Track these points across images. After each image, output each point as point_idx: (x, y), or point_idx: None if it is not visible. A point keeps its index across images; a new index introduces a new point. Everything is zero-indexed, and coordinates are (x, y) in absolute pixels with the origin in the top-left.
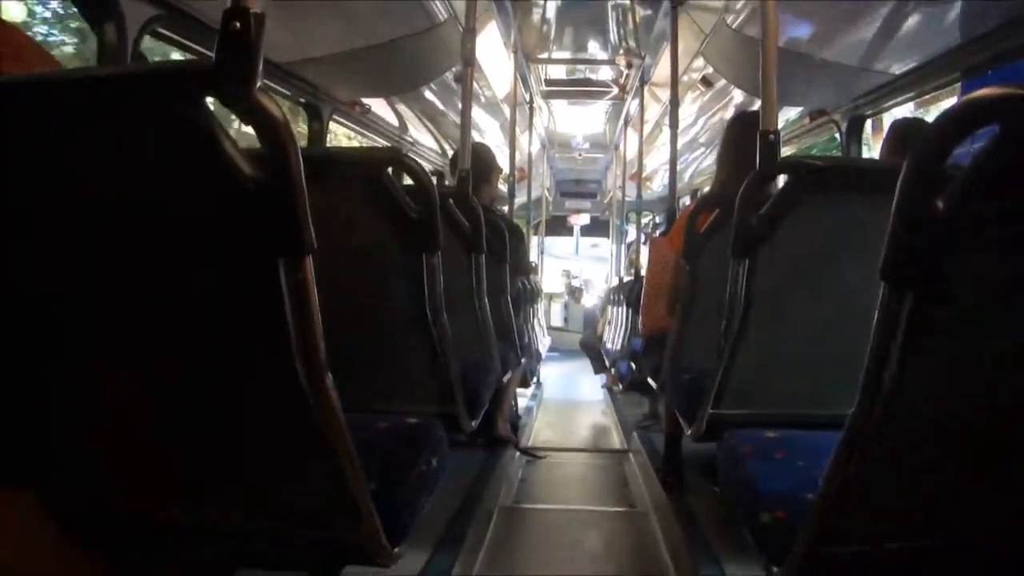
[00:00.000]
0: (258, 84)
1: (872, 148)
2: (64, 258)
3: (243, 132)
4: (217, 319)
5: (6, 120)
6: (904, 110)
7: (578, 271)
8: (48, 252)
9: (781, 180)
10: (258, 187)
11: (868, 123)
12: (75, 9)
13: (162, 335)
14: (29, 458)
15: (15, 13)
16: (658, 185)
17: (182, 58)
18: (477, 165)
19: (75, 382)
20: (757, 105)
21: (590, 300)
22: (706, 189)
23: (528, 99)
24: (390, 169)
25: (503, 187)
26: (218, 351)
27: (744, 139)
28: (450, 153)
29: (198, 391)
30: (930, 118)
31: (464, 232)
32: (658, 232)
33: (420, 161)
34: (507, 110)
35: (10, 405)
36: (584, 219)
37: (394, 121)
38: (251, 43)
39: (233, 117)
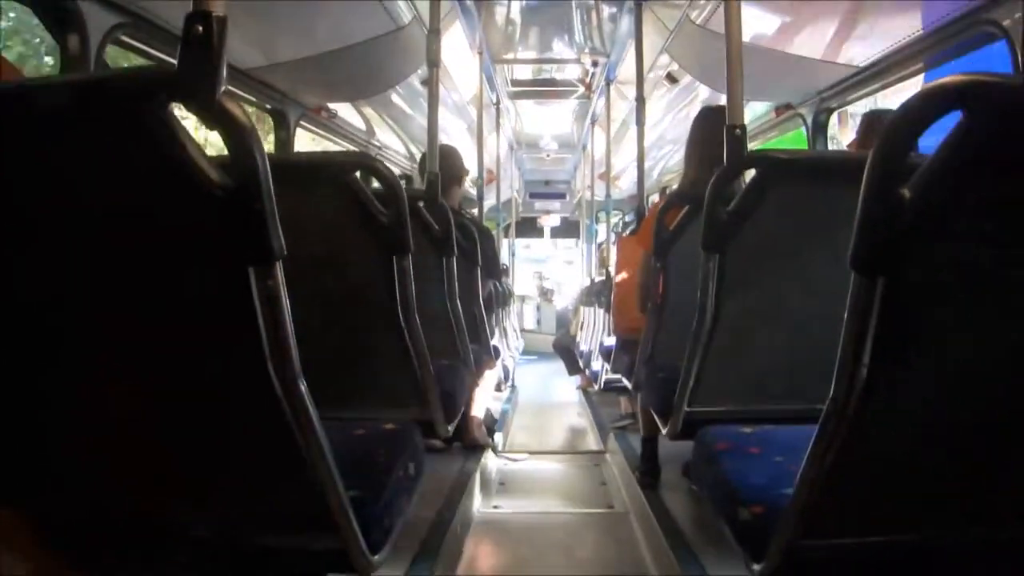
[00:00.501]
0: (223, 89)
1: (840, 142)
2: (33, 268)
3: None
4: (188, 328)
5: None
6: (868, 102)
7: (548, 273)
8: (15, 262)
9: (750, 175)
10: (226, 194)
11: (835, 116)
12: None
13: (132, 345)
14: (9, 472)
15: None
16: (627, 183)
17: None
18: (447, 167)
19: (43, 393)
20: (723, 100)
21: (561, 302)
22: (675, 186)
23: (495, 100)
24: (358, 173)
25: (472, 190)
26: (190, 360)
27: (711, 134)
28: (418, 156)
29: (172, 401)
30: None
31: (434, 235)
32: (628, 231)
33: (388, 165)
34: (474, 112)
35: None
36: (554, 220)
37: (361, 125)
38: (214, 47)
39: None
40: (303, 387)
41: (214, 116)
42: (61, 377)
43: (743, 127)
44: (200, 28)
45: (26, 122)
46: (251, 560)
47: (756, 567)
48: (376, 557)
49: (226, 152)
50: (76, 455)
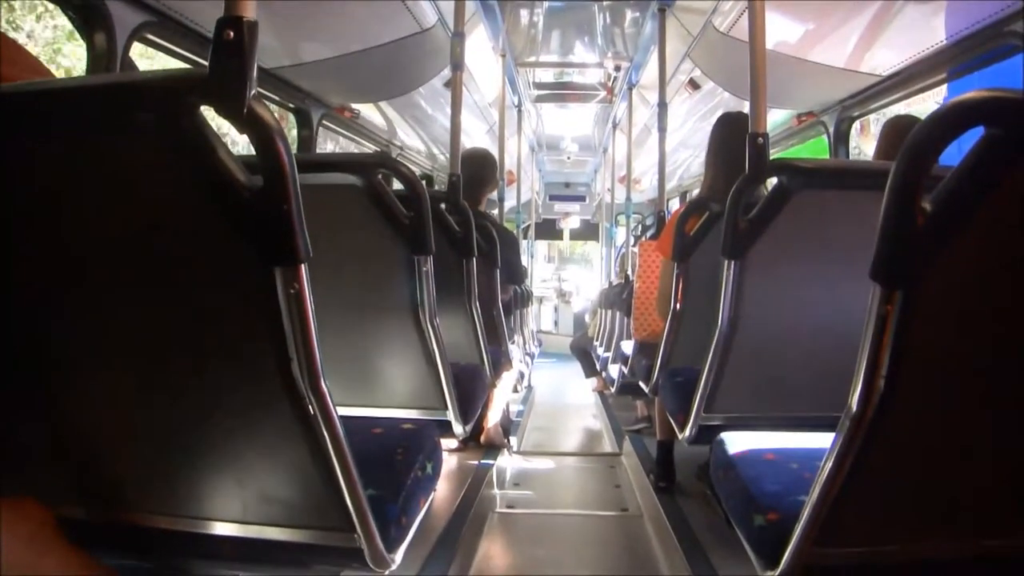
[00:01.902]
0: (253, 92)
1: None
2: (61, 268)
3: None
4: (215, 328)
5: (1, 128)
6: (890, 110)
7: (567, 276)
8: (45, 262)
9: (771, 182)
10: (254, 196)
11: (856, 124)
12: None
13: (160, 344)
14: (29, 467)
15: None
16: (647, 187)
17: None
18: (482, 170)
19: (74, 392)
20: (746, 107)
21: (579, 303)
22: (695, 191)
23: (517, 102)
24: (380, 174)
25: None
26: (216, 359)
27: (731, 141)
28: (439, 157)
29: (197, 399)
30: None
31: (455, 236)
32: (647, 235)
33: (409, 165)
34: (495, 113)
35: (9, 414)
36: (574, 222)
37: (383, 125)
38: (245, 52)
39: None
40: (326, 387)
41: (244, 119)
42: (89, 372)
43: (766, 135)
44: (231, 33)
45: (59, 122)
46: (270, 556)
47: (770, 574)
48: (392, 555)
49: (237, 147)
50: (102, 450)
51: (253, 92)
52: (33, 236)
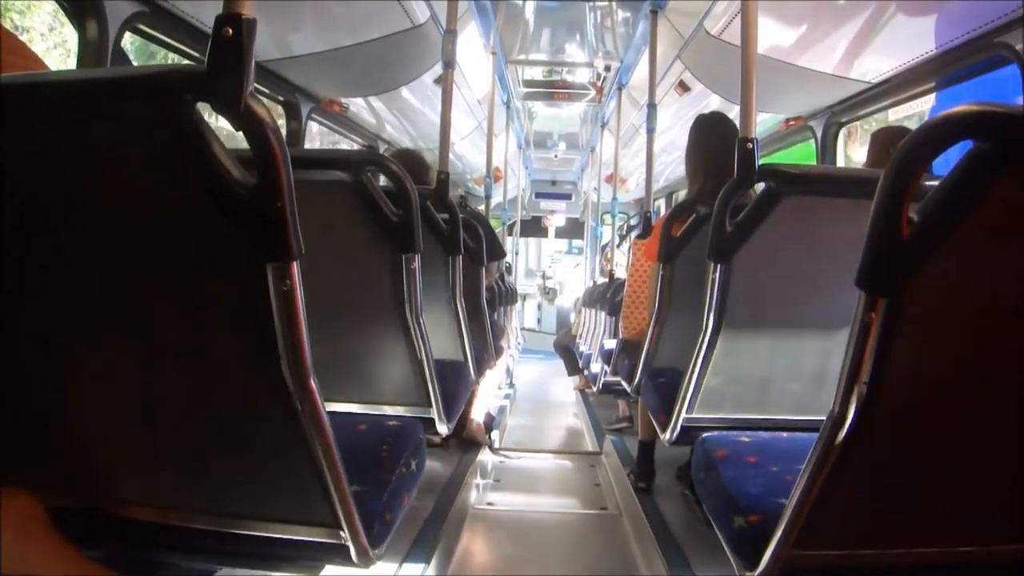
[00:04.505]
0: (250, 90)
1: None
2: (54, 261)
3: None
4: (205, 322)
5: None
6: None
7: (551, 272)
8: (37, 255)
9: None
10: (248, 192)
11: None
12: None
13: (150, 338)
14: (19, 458)
15: None
16: (634, 187)
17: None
18: (416, 170)
19: (65, 384)
20: (734, 111)
21: (564, 301)
22: (682, 193)
23: (506, 100)
24: (370, 171)
25: (479, 188)
26: (205, 354)
27: (711, 143)
28: (426, 154)
29: (186, 393)
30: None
31: (441, 233)
32: (633, 234)
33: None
34: (484, 110)
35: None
36: (559, 220)
37: (371, 120)
38: (243, 49)
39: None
40: (314, 383)
41: (240, 116)
42: (78, 363)
43: (755, 140)
44: (230, 30)
45: (53, 115)
46: (251, 550)
47: (749, 575)
48: (376, 551)
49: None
50: (82, 441)
51: (250, 89)
52: (24, 228)
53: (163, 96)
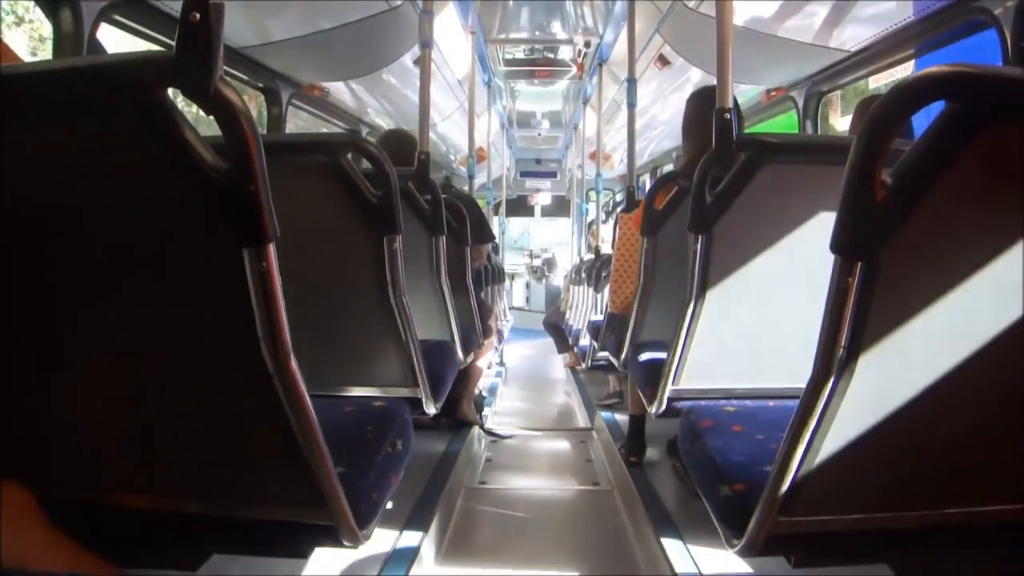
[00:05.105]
0: (219, 74)
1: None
2: (30, 251)
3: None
4: (184, 308)
5: None
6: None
7: (540, 251)
8: (13, 245)
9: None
10: (221, 177)
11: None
12: None
13: (130, 325)
14: (6, 449)
15: None
16: (618, 163)
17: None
18: (401, 149)
19: (48, 373)
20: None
21: (557, 279)
22: (667, 167)
23: (487, 80)
24: (349, 154)
25: (462, 168)
26: (185, 339)
27: (702, 117)
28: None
29: (167, 379)
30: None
31: (424, 214)
32: (619, 210)
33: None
34: (467, 90)
35: None
36: (545, 199)
37: (353, 104)
38: (211, 33)
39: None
40: (295, 365)
41: (210, 101)
42: (61, 354)
43: (731, 110)
44: (197, 15)
45: (25, 106)
46: (241, 535)
47: (736, 543)
48: (364, 531)
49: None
50: (69, 430)
51: (220, 74)
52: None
53: (132, 84)
